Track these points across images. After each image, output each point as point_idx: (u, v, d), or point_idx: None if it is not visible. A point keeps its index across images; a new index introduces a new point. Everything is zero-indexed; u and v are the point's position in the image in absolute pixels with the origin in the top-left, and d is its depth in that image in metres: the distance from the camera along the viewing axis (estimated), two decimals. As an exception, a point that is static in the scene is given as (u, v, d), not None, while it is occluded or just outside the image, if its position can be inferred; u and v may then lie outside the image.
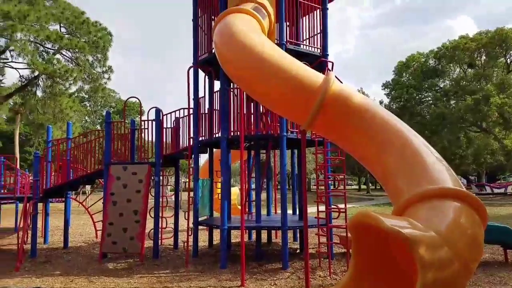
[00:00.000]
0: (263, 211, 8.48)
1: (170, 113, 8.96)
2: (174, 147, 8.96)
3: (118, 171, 8.25)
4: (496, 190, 34.68)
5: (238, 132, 7.62)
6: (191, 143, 7.95)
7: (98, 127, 41.54)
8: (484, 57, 34.07)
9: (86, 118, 42.52)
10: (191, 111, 8.48)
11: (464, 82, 34.35)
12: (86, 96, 37.80)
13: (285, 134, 7.02)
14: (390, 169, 4.17)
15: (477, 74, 34.04)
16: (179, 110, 8.84)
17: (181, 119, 8.99)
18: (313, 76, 4.77)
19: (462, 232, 3.24)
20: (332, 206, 7.12)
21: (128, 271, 6.99)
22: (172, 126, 9.00)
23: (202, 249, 8.83)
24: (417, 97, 36.39)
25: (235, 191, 13.09)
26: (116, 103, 44.37)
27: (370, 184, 47.05)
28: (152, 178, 8.34)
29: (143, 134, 8.85)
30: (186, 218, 7.76)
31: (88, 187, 24.23)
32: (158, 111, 8.48)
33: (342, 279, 3.50)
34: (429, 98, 37.09)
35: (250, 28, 5.54)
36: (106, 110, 8.54)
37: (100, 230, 8.49)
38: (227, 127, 7.26)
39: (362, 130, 4.50)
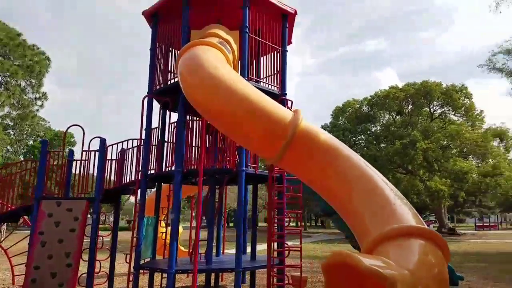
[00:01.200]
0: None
1: (116, 143, 8.28)
2: (117, 181, 8.21)
3: (51, 207, 7.28)
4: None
5: (194, 166, 7.21)
6: (140, 176, 7.31)
7: (21, 157, 37.90)
8: (411, 106, 37.33)
9: (9, 147, 38.67)
10: (137, 142, 7.96)
11: (393, 128, 37.11)
12: (11, 124, 34.56)
13: (243, 168, 6.74)
14: (357, 207, 4.10)
15: (404, 121, 37.05)
16: (126, 141, 8.20)
17: (126, 151, 8.34)
18: (283, 111, 4.67)
19: (430, 269, 3.25)
20: (290, 244, 6.84)
21: (57, 325, 6.00)
22: (117, 158, 8.28)
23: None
24: (351, 139, 38.44)
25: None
26: (44, 133, 41.12)
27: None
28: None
29: (80, 167, 8.00)
30: (127, 261, 6.97)
31: (4, 226, 21.48)
32: (102, 141, 7.79)
33: None
34: (362, 141, 39.42)
35: (217, 60, 5.35)
36: (41, 139, 7.61)
37: (20, 275, 7.33)
38: (182, 160, 6.80)
39: (328, 166, 4.42)
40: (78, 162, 8.02)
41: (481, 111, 35.92)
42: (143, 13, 8.39)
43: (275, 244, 6.91)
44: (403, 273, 2.92)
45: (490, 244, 23.42)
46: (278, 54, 8.07)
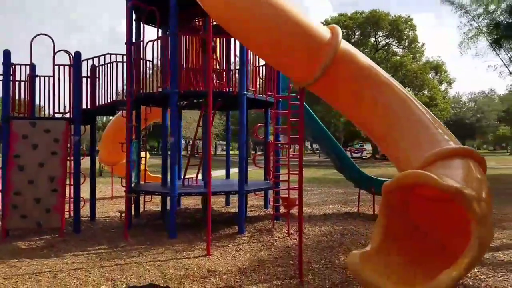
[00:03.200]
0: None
1: (88, 59, 7.35)
2: (90, 101, 7.43)
3: (24, 128, 6.48)
4: (354, 155, 40.75)
5: (191, 87, 6.72)
6: (129, 97, 6.65)
7: None
8: (358, 35, 37.75)
9: None
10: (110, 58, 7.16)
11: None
12: None
13: (245, 92, 6.43)
14: (398, 133, 4.15)
15: (351, 50, 37.59)
16: (102, 56, 7.30)
17: (99, 68, 7.46)
18: (321, 28, 4.32)
19: (481, 184, 3.45)
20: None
21: (53, 249, 5.67)
22: (87, 75, 7.40)
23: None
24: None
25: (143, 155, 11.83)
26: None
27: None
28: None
29: (48, 83, 7.04)
30: (124, 185, 6.64)
31: None
32: (78, 54, 6.86)
33: (373, 243, 3.35)
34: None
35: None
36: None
37: (-5, 201, 6.69)
38: (177, 80, 6.26)
39: (367, 92, 4.31)
40: (46, 78, 7.04)
41: (423, 44, 37.56)
42: None
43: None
44: (475, 192, 3.06)
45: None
46: None
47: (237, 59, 6.90)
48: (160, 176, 11.61)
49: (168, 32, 6.50)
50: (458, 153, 3.69)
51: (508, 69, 20.20)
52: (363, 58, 4.42)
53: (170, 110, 6.31)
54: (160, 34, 7.12)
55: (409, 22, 36.77)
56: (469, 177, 3.46)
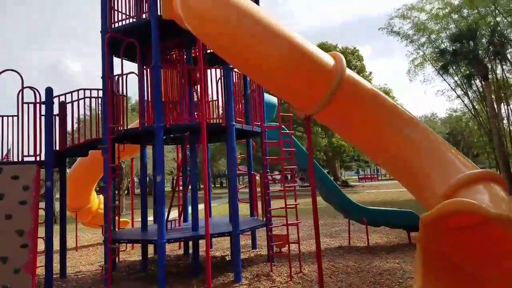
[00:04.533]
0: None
1: (60, 95, 6.76)
2: (60, 141, 6.77)
3: (-14, 175, 5.70)
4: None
5: (173, 122, 6.34)
6: (108, 134, 6.09)
7: None
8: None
9: None
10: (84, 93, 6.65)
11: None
12: None
13: (233, 123, 6.16)
14: (416, 157, 4.01)
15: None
16: (76, 91, 6.73)
17: (67, 105, 6.88)
18: (323, 54, 4.22)
19: (510, 206, 3.32)
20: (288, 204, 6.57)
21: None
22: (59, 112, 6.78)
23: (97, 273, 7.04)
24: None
25: (94, 197, 10.99)
26: None
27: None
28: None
29: (18, 124, 6.33)
30: (103, 233, 5.95)
31: None
32: (49, 91, 6.26)
33: (417, 283, 3.09)
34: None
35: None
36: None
37: None
38: (161, 114, 5.86)
39: (375, 116, 4.21)
40: (11, 118, 6.33)
41: (370, 72, 39.75)
42: None
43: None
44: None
45: (387, 193, 25.43)
46: None
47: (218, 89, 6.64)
48: (127, 220, 10.84)
49: (150, 65, 6.14)
50: (482, 177, 3.58)
51: (456, 92, 21.74)
52: (367, 83, 4.37)
53: (156, 146, 5.86)
54: (137, 67, 6.76)
55: (355, 54, 38.98)
56: (498, 201, 3.38)
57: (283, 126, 6.47)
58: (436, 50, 20.36)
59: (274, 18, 4.10)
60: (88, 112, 6.75)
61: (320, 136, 35.46)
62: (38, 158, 6.31)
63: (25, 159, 6.27)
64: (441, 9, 20.02)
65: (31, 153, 6.32)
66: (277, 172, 15.19)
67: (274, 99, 8.49)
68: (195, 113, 6.57)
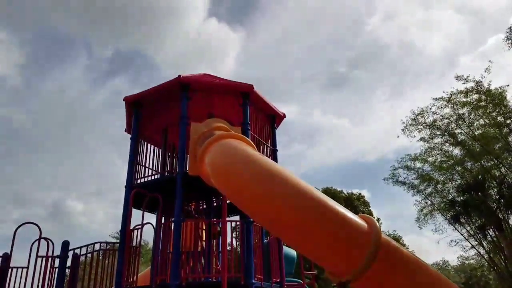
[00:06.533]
0: None
1: (76, 248, 6.60)
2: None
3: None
4: None
5: (189, 278, 6.01)
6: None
7: None
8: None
9: None
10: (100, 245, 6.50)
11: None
12: None
13: (253, 281, 5.81)
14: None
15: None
16: (92, 244, 6.60)
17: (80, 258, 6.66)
18: (353, 215, 4.24)
19: None
20: None
21: None
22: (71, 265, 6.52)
23: None
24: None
25: None
26: None
27: None
28: None
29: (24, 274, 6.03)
30: None
31: None
32: (65, 244, 6.15)
33: None
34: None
35: (259, 155, 4.87)
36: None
37: None
38: (179, 270, 5.61)
39: (413, 281, 3.98)
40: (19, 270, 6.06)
41: (378, 218, 39.55)
42: (124, 99, 7.67)
43: None
44: None
45: None
46: (269, 152, 7.94)
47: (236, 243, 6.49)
48: None
49: (171, 219, 6.16)
50: None
51: (470, 242, 21.09)
52: (403, 248, 4.25)
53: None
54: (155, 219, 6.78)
55: (361, 199, 39.55)
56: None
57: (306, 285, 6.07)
58: (444, 200, 20.60)
59: (303, 182, 4.29)
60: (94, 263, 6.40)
61: (332, 285, 33.28)
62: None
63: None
64: (444, 162, 20.98)
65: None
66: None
67: (293, 252, 8.21)
68: (214, 267, 6.29)
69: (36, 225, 6.19)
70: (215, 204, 7.70)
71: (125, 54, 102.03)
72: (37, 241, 6.15)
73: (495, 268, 21.04)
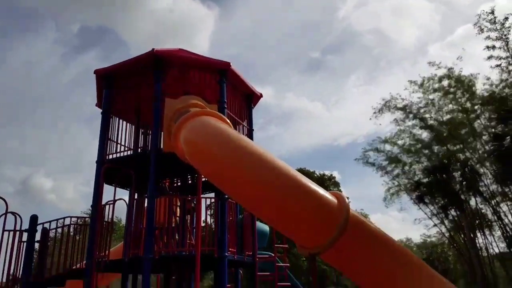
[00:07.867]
0: None
1: (44, 223, 6.49)
2: (39, 271, 6.26)
3: None
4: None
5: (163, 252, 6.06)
6: (93, 266, 5.71)
7: None
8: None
9: None
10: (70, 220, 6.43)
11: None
12: None
13: (226, 254, 5.94)
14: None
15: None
16: (61, 219, 6.50)
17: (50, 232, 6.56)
18: (324, 191, 4.38)
19: None
20: None
21: None
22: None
23: None
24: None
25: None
26: None
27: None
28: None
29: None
30: None
31: None
32: (34, 219, 6.03)
33: None
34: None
35: (235, 132, 4.90)
36: None
37: None
38: (153, 244, 5.65)
39: (384, 257, 4.18)
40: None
41: (347, 197, 40.64)
42: (95, 72, 7.43)
43: None
44: None
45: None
46: (246, 131, 7.98)
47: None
48: None
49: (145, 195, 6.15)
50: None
51: (433, 221, 22.18)
52: (371, 223, 4.43)
53: (144, 277, 5.48)
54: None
55: (332, 180, 40.52)
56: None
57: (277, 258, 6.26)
58: (410, 181, 21.43)
59: (278, 160, 4.37)
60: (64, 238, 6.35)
61: (302, 259, 34.26)
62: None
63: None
64: (412, 145, 21.72)
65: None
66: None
67: (266, 227, 8.39)
68: (188, 241, 6.37)
69: (2, 199, 6.03)
70: (189, 182, 7.71)
71: (94, 30, 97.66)
72: (3, 215, 6.00)
73: (455, 245, 22.30)
